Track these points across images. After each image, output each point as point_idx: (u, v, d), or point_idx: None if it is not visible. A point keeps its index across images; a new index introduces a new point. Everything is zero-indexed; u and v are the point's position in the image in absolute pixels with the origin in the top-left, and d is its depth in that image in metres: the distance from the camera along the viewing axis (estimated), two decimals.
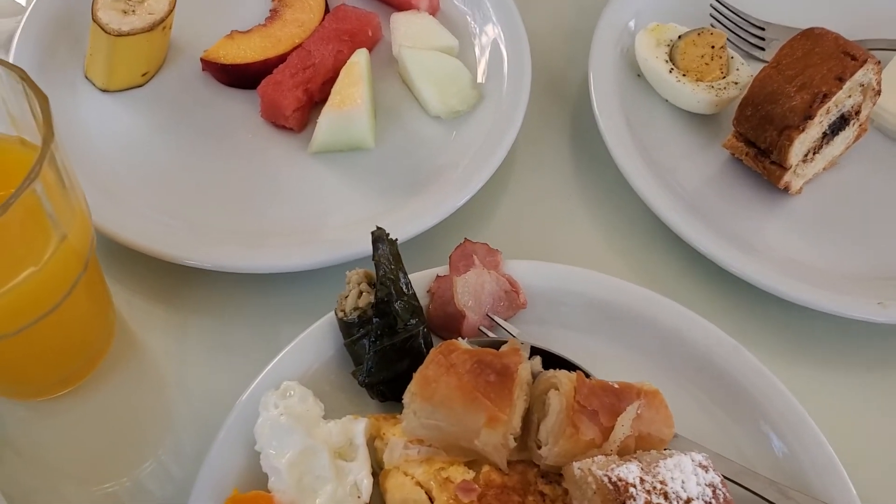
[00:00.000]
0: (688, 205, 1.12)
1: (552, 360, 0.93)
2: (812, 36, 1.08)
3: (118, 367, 1.02)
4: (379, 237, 0.94)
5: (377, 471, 0.90)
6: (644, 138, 1.17)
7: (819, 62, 1.05)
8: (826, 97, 1.03)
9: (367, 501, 0.87)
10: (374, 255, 0.93)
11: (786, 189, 1.12)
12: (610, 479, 0.77)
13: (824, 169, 1.17)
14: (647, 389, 0.88)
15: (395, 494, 0.85)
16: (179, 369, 1.03)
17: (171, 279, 1.07)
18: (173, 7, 1.16)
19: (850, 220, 1.14)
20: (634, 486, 0.77)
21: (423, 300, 0.99)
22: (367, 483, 0.87)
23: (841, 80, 1.03)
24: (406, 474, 0.86)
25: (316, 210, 1.09)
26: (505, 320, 1.00)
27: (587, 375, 0.88)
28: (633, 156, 1.14)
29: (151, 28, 1.14)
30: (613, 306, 1.01)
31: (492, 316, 0.99)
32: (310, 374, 0.94)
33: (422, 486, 0.84)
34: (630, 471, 0.78)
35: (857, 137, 1.17)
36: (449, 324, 0.98)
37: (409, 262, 0.98)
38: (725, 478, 0.88)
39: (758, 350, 0.97)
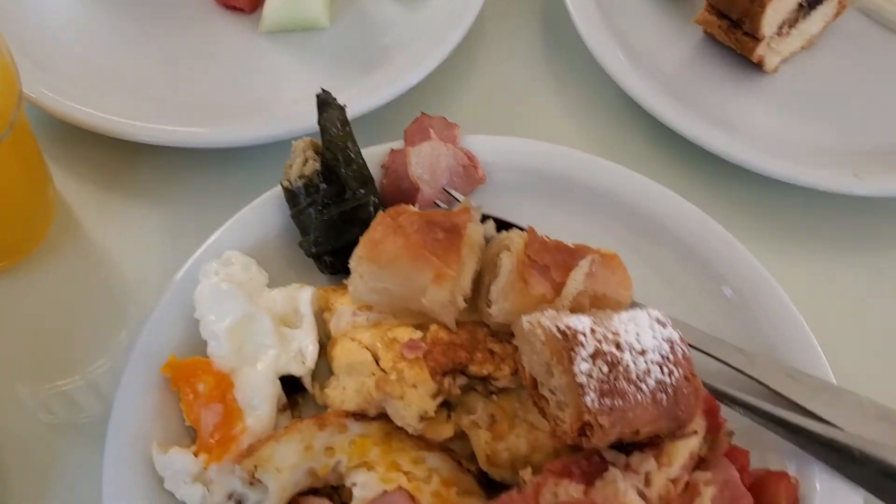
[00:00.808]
0: (660, 84, 1.08)
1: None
2: None
3: (59, 246, 0.98)
4: (325, 100, 0.90)
5: (326, 342, 0.86)
6: (615, 17, 1.13)
7: None
8: None
9: (312, 367, 0.83)
10: (319, 119, 0.89)
11: (759, 64, 1.07)
12: (559, 328, 0.73)
13: (802, 48, 1.13)
14: (605, 252, 0.84)
15: (341, 359, 0.81)
16: (122, 249, 1.00)
17: (115, 159, 1.03)
18: None
19: (826, 98, 1.10)
20: (584, 335, 0.73)
21: (378, 175, 0.94)
22: (312, 349, 0.84)
23: None
24: (353, 340, 0.82)
25: (266, 88, 1.06)
26: (463, 196, 0.96)
27: None
28: (603, 35, 1.09)
29: None
30: (577, 180, 0.97)
31: (448, 190, 0.95)
32: (256, 246, 0.90)
33: (368, 349, 0.80)
34: (581, 321, 0.74)
35: (837, 15, 1.12)
36: (403, 198, 0.93)
37: (365, 140, 0.94)
38: (690, 346, 0.85)
39: (732, 227, 0.93)
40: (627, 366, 0.72)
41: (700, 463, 0.80)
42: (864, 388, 0.84)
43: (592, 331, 0.74)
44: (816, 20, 1.10)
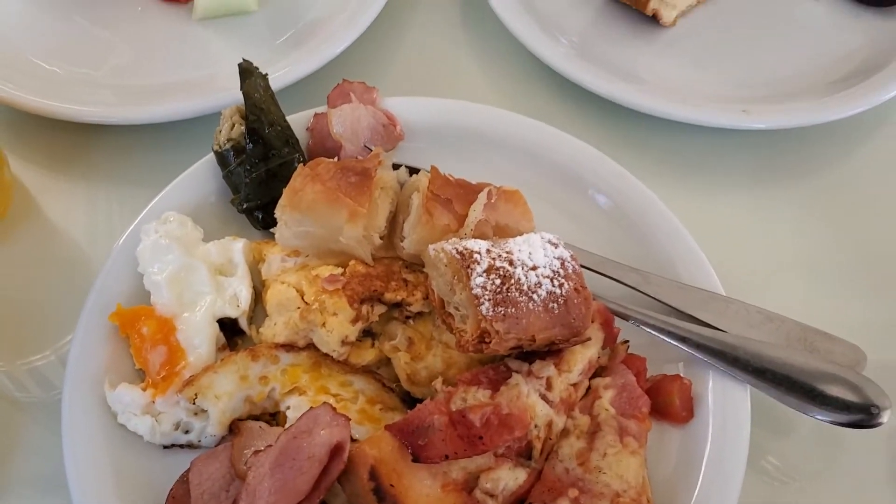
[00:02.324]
0: (567, 45, 1.17)
1: None
2: None
3: (18, 225, 1.07)
4: (247, 69, 0.98)
5: (261, 290, 0.94)
6: None
7: None
8: None
9: (247, 309, 0.92)
10: (241, 87, 0.97)
11: (655, 17, 1.16)
12: (458, 250, 0.81)
13: (698, 2, 1.21)
14: (506, 188, 0.92)
15: (272, 301, 0.89)
16: (76, 224, 1.08)
17: (65, 143, 1.12)
18: None
19: (719, 46, 1.19)
20: (479, 254, 0.81)
21: (305, 138, 1.03)
22: (245, 293, 0.92)
23: None
24: (282, 282, 0.90)
25: (202, 69, 1.14)
26: (385, 152, 1.04)
27: None
28: (513, 4, 1.18)
29: None
30: (488, 131, 1.05)
31: (369, 147, 1.03)
32: (194, 208, 0.98)
33: (295, 288, 0.89)
34: (478, 244, 0.83)
35: None
36: (328, 156, 1.01)
37: (296, 108, 1.03)
38: (587, 267, 0.94)
39: (639, 169, 1.01)
40: (519, 279, 0.81)
41: (601, 370, 0.89)
42: (752, 299, 0.93)
43: (488, 251, 0.83)
44: None
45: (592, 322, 0.88)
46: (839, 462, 0.90)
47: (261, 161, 0.96)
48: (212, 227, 0.98)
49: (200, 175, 1.00)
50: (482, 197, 0.88)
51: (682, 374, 0.89)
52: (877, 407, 0.83)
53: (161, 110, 1.07)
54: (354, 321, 0.85)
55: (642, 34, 1.19)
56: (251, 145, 0.96)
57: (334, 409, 0.79)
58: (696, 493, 0.83)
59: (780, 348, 0.88)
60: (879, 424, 0.83)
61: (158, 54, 1.16)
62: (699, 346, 0.89)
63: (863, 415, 0.83)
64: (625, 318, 0.91)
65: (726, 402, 0.87)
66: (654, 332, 0.90)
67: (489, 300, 0.79)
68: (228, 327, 0.93)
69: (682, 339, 0.89)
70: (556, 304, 0.82)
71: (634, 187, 0.99)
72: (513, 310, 0.80)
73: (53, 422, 0.86)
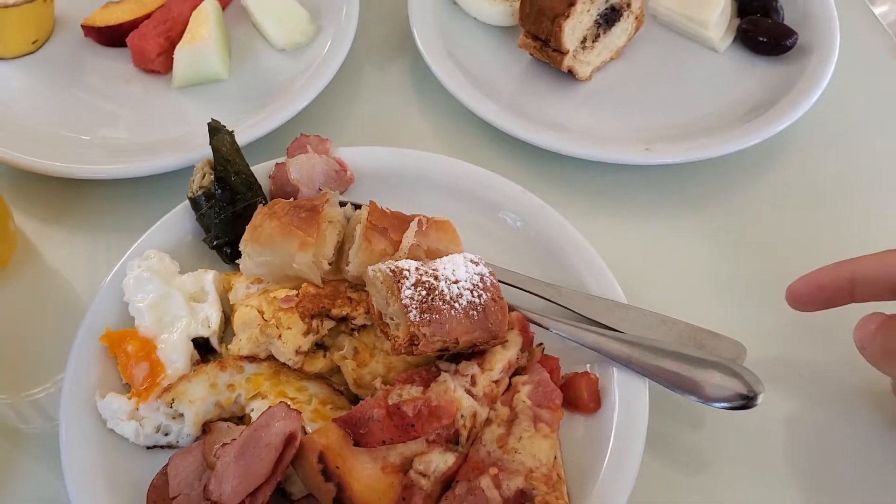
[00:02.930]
0: (499, 99, 1.33)
1: None
2: None
3: (20, 271, 1.21)
4: (215, 127, 1.15)
5: (230, 314, 1.10)
6: (460, 53, 1.39)
7: None
8: None
9: (216, 330, 1.07)
10: (210, 142, 1.14)
11: (571, 73, 1.33)
12: (391, 268, 0.97)
13: (612, 59, 1.39)
14: (438, 218, 1.09)
15: (237, 321, 1.05)
16: (73, 269, 1.23)
17: (63, 197, 1.28)
18: None
19: (629, 95, 1.35)
20: (409, 271, 0.97)
21: (267, 184, 1.19)
22: (215, 316, 1.07)
23: None
24: (246, 305, 1.06)
25: (180, 130, 1.30)
26: (339, 194, 1.21)
27: None
28: (450, 67, 1.35)
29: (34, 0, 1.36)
30: (427, 174, 1.21)
31: (323, 189, 1.19)
32: (172, 246, 1.14)
33: (256, 309, 1.04)
34: (408, 263, 0.99)
35: (637, 28, 1.39)
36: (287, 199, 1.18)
37: (260, 159, 1.20)
38: (508, 283, 1.09)
39: (559, 202, 1.16)
40: (443, 290, 0.97)
41: (520, 370, 1.04)
42: (651, 307, 1.09)
43: (417, 269, 0.98)
44: (618, 34, 1.37)
45: (511, 329, 1.03)
46: (737, 446, 1.04)
47: (228, 204, 1.13)
48: (188, 261, 1.13)
49: (177, 218, 1.16)
50: (413, 225, 1.04)
51: (589, 372, 1.04)
52: (753, 391, 0.98)
53: (144, 166, 1.23)
54: (306, 333, 1.00)
55: (563, 88, 1.36)
56: (220, 191, 1.12)
57: (288, 405, 0.94)
58: (602, 470, 0.97)
59: (672, 345, 1.03)
60: (755, 406, 0.97)
61: (142, 118, 1.33)
62: (603, 347, 1.04)
63: (742, 399, 0.98)
64: (541, 325, 1.06)
65: (628, 394, 1.02)
66: (565, 337, 1.05)
67: (416, 308, 0.95)
68: (202, 346, 1.08)
69: (589, 342, 1.04)
70: (475, 312, 0.97)
71: (551, 216, 1.15)
72: (437, 316, 0.95)
73: (53, 450, 0.98)
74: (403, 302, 0.95)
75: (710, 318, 1.08)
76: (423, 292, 0.96)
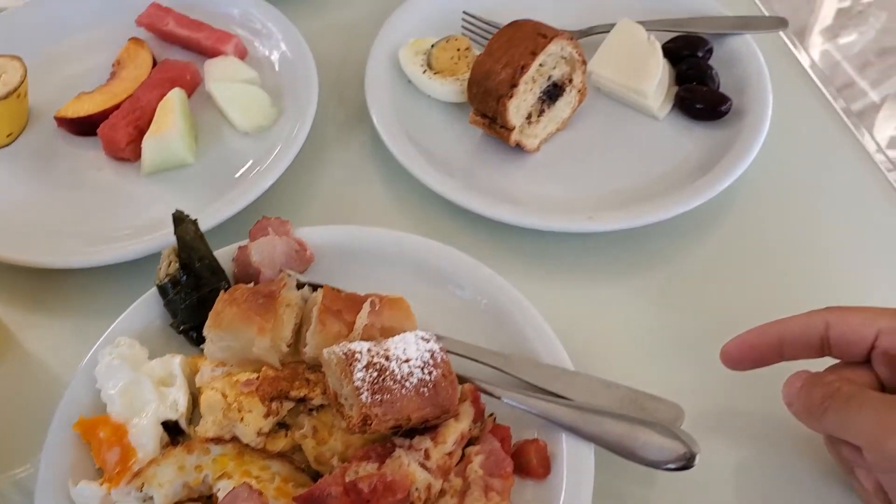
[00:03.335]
0: (453, 174, 1.40)
1: None
2: (515, 25, 1.38)
3: (3, 360, 1.28)
4: (179, 217, 1.22)
5: (198, 395, 1.15)
6: (416, 130, 1.46)
7: (519, 43, 1.35)
8: (524, 68, 1.33)
9: (184, 413, 1.12)
10: (175, 231, 1.21)
11: (520, 147, 1.40)
12: (343, 351, 1.03)
13: (558, 130, 1.47)
14: (392, 296, 1.15)
15: (203, 404, 1.10)
16: (53, 355, 1.29)
17: (41, 287, 1.34)
18: (24, 77, 1.46)
19: (574, 164, 1.42)
20: (360, 353, 1.03)
21: (231, 267, 1.26)
22: (182, 400, 1.13)
23: (534, 54, 1.33)
24: (212, 388, 1.11)
25: (150, 216, 1.37)
26: (300, 273, 1.27)
27: None
28: (407, 147, 1.42)
29: (7, 96, 1.44)
30: (383, 250, 1.27)
31: (285, 270, 1.26)
32: (142, 332, 1.20)
33: (220, 392, 1.10)
34: (361, 346, 1.05)
35: (581, 100, 1.47)
36: (251, 281, 1.25)
37: (225, 242, 1.27)
38: (459, 354, 1.16)
39: (509, 270, 1.23)
40: (393, 370, 1.03)
41: (474, 440, 1.10)
42: (597, 371, 1.15)
43: (369, 350, 1.05)
44: (563, 107, 1.44)
45: (464, 401, 1.09)
46: (688, 500, 1.11)
47: (193, 290, 1.19)
48: (157, 345, 1.19)
49: (146, 305, 1.22)
50: (366, 306, 1.10)
51: (538, 438, 1.10)
52: (690, 452, 1.04)
53: (116, 254, 1.30)
54: (267, 416, 1.06)
55: (513, 160, 1.43)
56: (185, 278, 1.19)
57: (251, 486, 1.00)
58: None
59: (614, 412, 1.09)
60: (693, 467, 1.03)
61: (113, 205, 1.39)
62: (551, 415, 1.10)
63: (681, 461, 1.04)
64: (492, 395, 1.12)
65: (575, 459, 1.07)
66: (515, 405, 1.11)
67: (368, 389, 1.01)
68: (172, 428, 1.13)
69: (538, 410, 1.10)
70: (426, 389, 1.03)
71: (501, 285, 1.22)
72: (388, 396, 1.01)
73: None
74: (355, 384, 1.01)
75: (654, 379, 1.15)
76: (375, 373, 1.02)
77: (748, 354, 1.07)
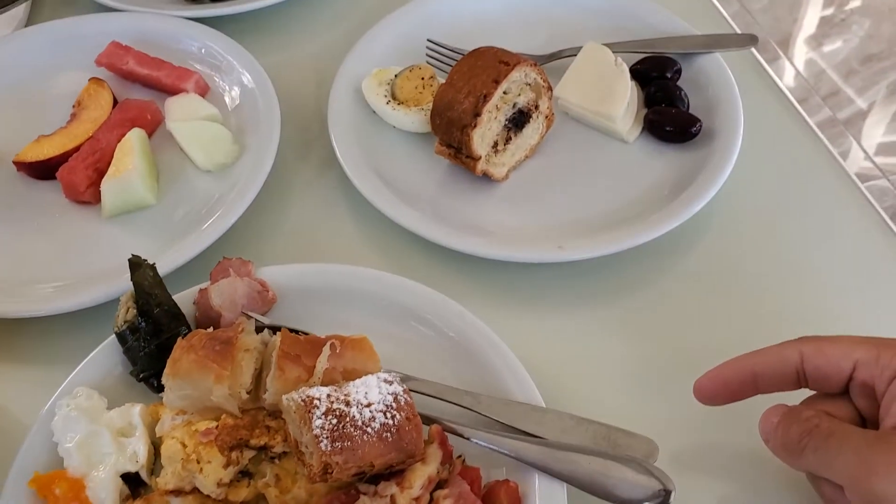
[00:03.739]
0: (419, 206, 1.37)
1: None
2: (476, 53, 1.36)
3: None
4: (136, 262, 1.19)
5: (160, 444, 1.12)
6: (381, 163, 1.43)
7: (481, 72, 1.32)
8: (487, 97, 1.30)
9: (144, 464, 1.09)
10: (131, 277, 1.18)
11: (486, 176, 1.38)
12: (302, 398, 1.00)
13: (526, 157, 1.44)
14: (354, 337, 1.12)
15: (164, 455, 1.07)
16: (10, 403, 1.25)
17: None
18: None
19: (543, 191, 1.40)
20: (319, 399, 1.00)
21: (192, 311, 1.23)
22: (143, 450, 1.09)
23: (496, 82, 1.31)
24: (172, 437, 1.08)
25: (113, 261, 1.33)
26: (262, 314, 1.24)
27: None
28: (373, 180, 1.39)
29: None
30: (347, 287, 1.25)
31: (247, 312, 1.23)
32: (101, 380, 1.17)
33: (180, 442, 1.07)
34: (320, 391, 1.01)
35: (548, 126, 1.45)
36: (212, 324, 1.21)
37: (187, 285, 1.24)
38: (426, 394, 1.13)
39: (477, 303, 1.21)
40: (354, 416, 0.99)
41: (441, 483, 1.06)
42: (570, 405, 1.12)
43: (329, 396, 1.01)
44: (530, 134, 1.42)
45: (431, 443, 1.06)
46: None
47: (153, 336, 1.16)
48: (117, 393, 1.16)
49: (105, 353, 1.18)
50: (326, 350, 1.07)
51: (509, 479, 1.07)
52: (664, 490, 1.01)
53: (75, 301, 1.27)
54: (226, 465, 1.03)
55: (481, 190, 1.41)
56: (143, 324, 1.16)
57: None
58: None
59: (587, 449, 1.06)
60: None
61: (73, 251, 1.36)
62: (521, 454, 1.06)
63: (656, 498, 1.01)
64: (461, 435, 1.09)
65: (548, 499, 1.04)
66: (485, 445, 1.08)
67: (327, 437, 0.97)
68: (133, 479, 1.10)
69: (508, 449, 1.07)
70: (389, 434, 1.00)
71: (471, 322, 1.19)
72: (349, 443, 0.98)
73: None
74: (314, 432, 0.97)
75: (628, 412, 1.12)
76: (335, 420, 0.98)
77: (721, 390, 1.04)
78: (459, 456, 1.08)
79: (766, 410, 1.00)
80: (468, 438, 1.09)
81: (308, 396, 1.00)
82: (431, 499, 1.04)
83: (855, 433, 0.91)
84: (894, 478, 0.84)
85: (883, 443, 0.87)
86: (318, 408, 0.99)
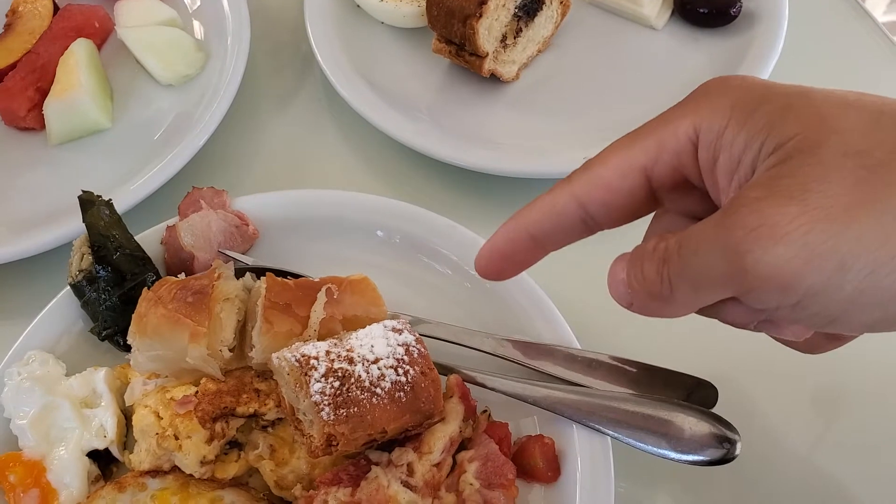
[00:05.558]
0: (415, 116, 1.18)
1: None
2: None
3: None
4: (87, 199, 1.00)
5: (131, 414, 0.96)
6: (369, 68, 1.25)
7: None
8: None
9: (115, 439, 0.93)
10: (84, 218, 0.99)
11: (494, 76, 1.18)
12: (296, 357, 0.83)
13: (539, 51, 1.24)
14: (353, 278, 0.94)
15: (136, 426, 0.91)
16: None
17: None
18: None
19: (562, 91, 1.22)
20: (317, 359, 0.83)
21: (160, 252, 1.05)
22: (111, 423, 0.94)
23: None
24: (144, 406, 0.92)
25: (64, 197, 1.14)
26: (243, 253, 1.06)
27: None
28: (361, 87, 1.21)
29: None
30: (340, 216, 1.07)
31: (223, 251, 1.05)
32: (57, 342, 1.00)
33: (153, 412, 0.90)
34: (316, 347, 0.85)
35: (564, 14, 1.24)
36: (184, 268, 1.04)
37: (153, 222, 1.05)
38: (441, 338, 0.96)
39: (491, 233, 1.03)
40: (359, 376, 0.83)
41: (467, 442, 0.91)
42: (607, 345, 0.95)
43: (327, 353, 0.85)
44: (543, 24, 1.22)
45: (450, 397, 0.90)
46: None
47: (115, 287, 0.98)
48: (78, 356, 1.00)
49: (60, 309, 1.01)
50: (321, 296, 0.90)
51: (542, 434, 0.91)
52: (729, 441, 0.85)
53: (21, 247, 1.09)
54: (209, 440, 0.87)
55: (488, 92, 1.22)
56: (102, 273, 0.98)
57: None
58: None
59: (633, 396, 0.90)
60: (734, 458, 0.85)
61: (17, 187, 1.18)
62: (556, 404, 0.91)
63: (718, 452, 0.85)
64: (484, 385, 0.93)
65: (590, 456, 0.89)
66: (513, 395, 0.92)
67: (329, 405, 0.81)
68: (103, 456, 0.94)
69: (540, 399, 0.91)
70: (402, 393, 0.84)
71: None
72: (355, 409, 0.82)
73: None
74: (314, 398, 0.81)
75: (675, 351, 0.95)
76: (336, 383, 0.82)
77: (505, 264, 0.78)
78: (484, 410, 0.92)
79: (611, 266, 0.71)
80: (492, 389, 0.93)
81: (304, 355, 0.83)
82: (455, 463, 0.89)
83: (701, 228, 0.66)
84: (763, 243, 0.60)
85: (731, 215, 0.62)
86: (316, 369, 0.82)
